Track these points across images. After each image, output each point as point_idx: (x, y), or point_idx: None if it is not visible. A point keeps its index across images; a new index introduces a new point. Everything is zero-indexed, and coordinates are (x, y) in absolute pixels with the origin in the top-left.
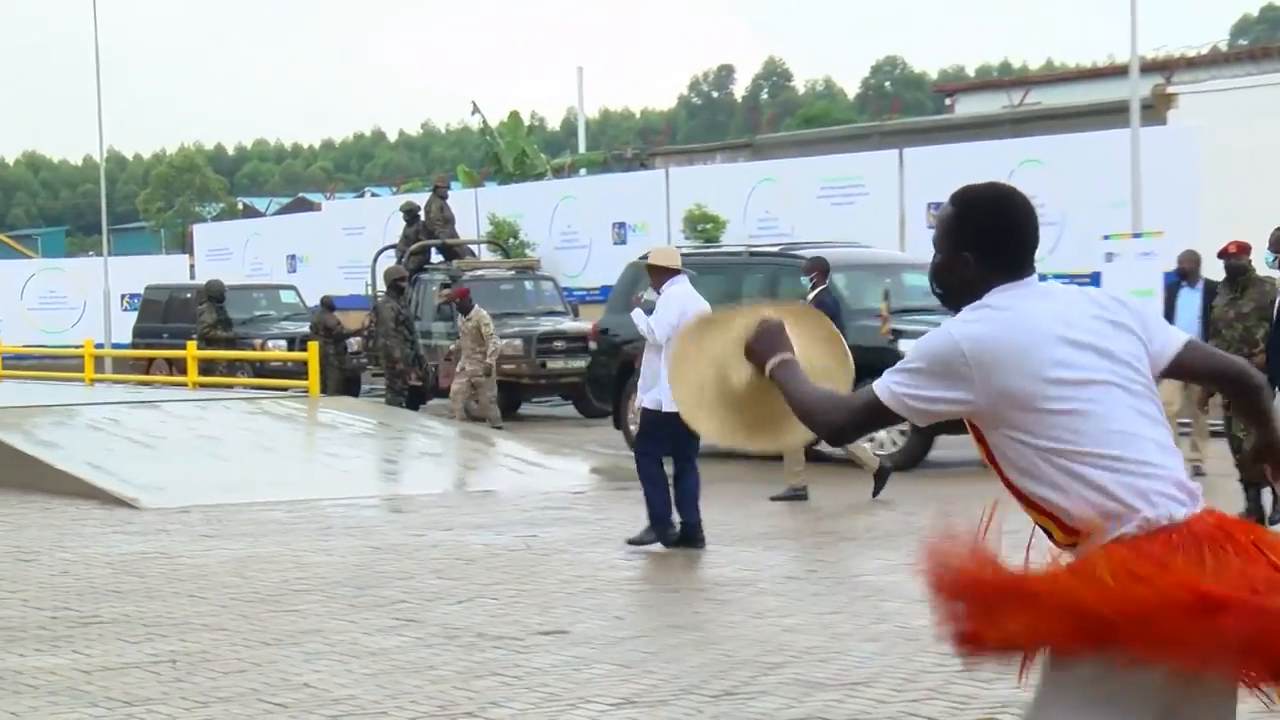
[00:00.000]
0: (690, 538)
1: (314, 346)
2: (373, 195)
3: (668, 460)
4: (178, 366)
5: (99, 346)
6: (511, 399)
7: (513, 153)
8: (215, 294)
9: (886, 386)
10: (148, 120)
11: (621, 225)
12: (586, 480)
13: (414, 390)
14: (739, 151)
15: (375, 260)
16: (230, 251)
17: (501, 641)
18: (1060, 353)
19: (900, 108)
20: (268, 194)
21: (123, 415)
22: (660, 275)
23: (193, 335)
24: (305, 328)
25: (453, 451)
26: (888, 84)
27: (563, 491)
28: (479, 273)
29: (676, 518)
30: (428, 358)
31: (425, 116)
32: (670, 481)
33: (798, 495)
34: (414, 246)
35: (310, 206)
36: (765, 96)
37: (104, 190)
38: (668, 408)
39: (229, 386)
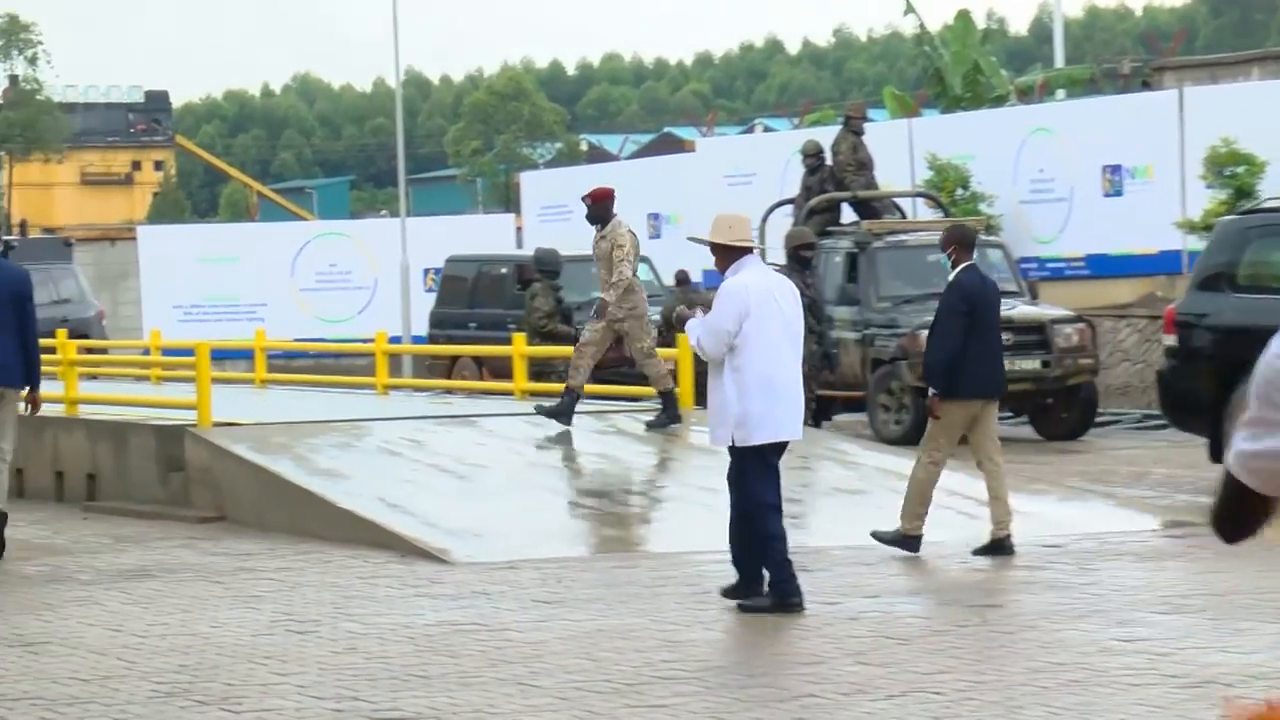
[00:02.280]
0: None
1: (683, 341)
2: (765, 130)
3: None
4: (491, 368)
5: (395, 341)
6: None
7: (961, 68)
8: (549, 268)
9: None
10: (458, 32)
11: (1115, 170)
12: (1067, 529)
13: (820, 401)
14: None
15: (764, 219)
16: (570, 209)
17: None
18: None
19: None
20: (621, 129)
21: (427, 435)
22: (725, 256)
23: (511, 324)
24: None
25: (877, 486)
26: None
27: (1033, 544)
28: (898, 237)
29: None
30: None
31: (838, 20)
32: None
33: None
34: (815, 201)
35: (680, 146)
36: None
37: (400, 127)
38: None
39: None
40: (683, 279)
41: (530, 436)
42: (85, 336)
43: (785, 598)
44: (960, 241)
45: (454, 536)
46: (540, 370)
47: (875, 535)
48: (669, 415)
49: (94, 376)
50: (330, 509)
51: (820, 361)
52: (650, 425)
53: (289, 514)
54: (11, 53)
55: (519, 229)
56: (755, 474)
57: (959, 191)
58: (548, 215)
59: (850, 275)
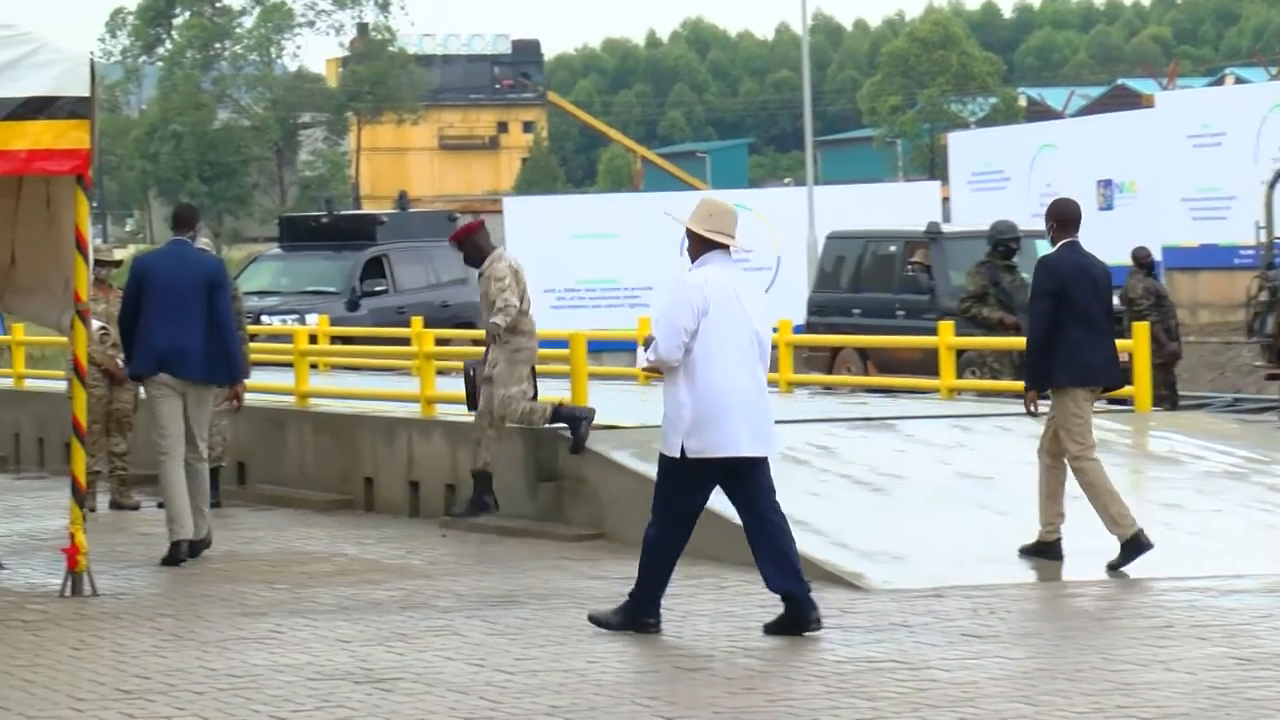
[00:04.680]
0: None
1: (1142, 330)
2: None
3: None
4: (876, 362)
5: (800, 330)
6: None
7: None
8: (1003, 240)
9: None
10: None
11: None
12: None
13: None
14: None
15: (1271, 189)
16: (1007, 175)
17: None
18: None
19: None
20: (1066, 81)
21: (837, 440)
22: (698, 247)
23: (900, 310)
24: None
25: None
26: None
27: None
28: None
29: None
30: None
31: None
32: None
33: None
34: None
35: (1135, 101)
36: None
37: (807, 81)
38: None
39: (994, 396)
40: (1143, 259)
41: (957, 442)
42: (471, 325)
43: (637, 615)
44: (1060, 217)
45: (868, 559)
46: (970, 364)
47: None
48: (473, 503)
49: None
50: (725, 526)
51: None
52: (451, 516)
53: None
54: None
55: (945, 199)
56: (680, 487)
57: None
58: (980, 182)
59: None
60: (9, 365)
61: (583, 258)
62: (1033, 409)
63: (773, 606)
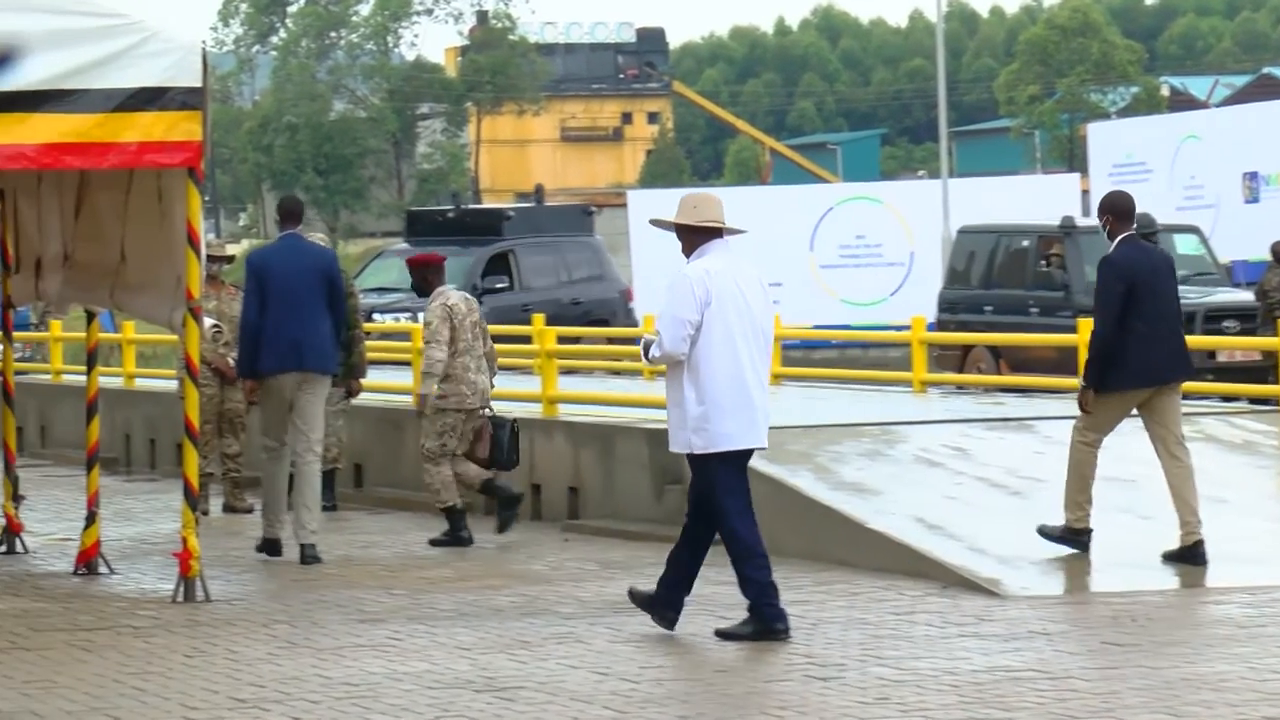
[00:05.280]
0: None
1: None
2: None
3: None
4: (1009, 359)
5: (931, 328)
6: None
7: None
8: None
9: None
10: None
11: None
12: None
13: None
14: None
15: None
16: (1149, 167)
17: None
18: None
19: None
20: (1211, 70)
21: (974, 442)
22: (690, 240)
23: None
24: (1231, 295)
25: None
26: None
27: None
28: None
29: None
30: None
31: None
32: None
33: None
34: None
35: None
36: None
37: (942, 70)
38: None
39: None
40: None
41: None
42: (606, 322)
43: (769, 623)
44: (1115, 210)
45: (1006, 565)
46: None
47: (1042, 531)
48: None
49: (572, 371)
50: (857, 530)
51: None
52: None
53: (808, 536)
54: None
55: (1085, 192)
56: (722, 481)
57: None
58: (1122, 174)
59: None
60: (119, 364)
61: None
62: (1088, 406)
63: (912, 613)
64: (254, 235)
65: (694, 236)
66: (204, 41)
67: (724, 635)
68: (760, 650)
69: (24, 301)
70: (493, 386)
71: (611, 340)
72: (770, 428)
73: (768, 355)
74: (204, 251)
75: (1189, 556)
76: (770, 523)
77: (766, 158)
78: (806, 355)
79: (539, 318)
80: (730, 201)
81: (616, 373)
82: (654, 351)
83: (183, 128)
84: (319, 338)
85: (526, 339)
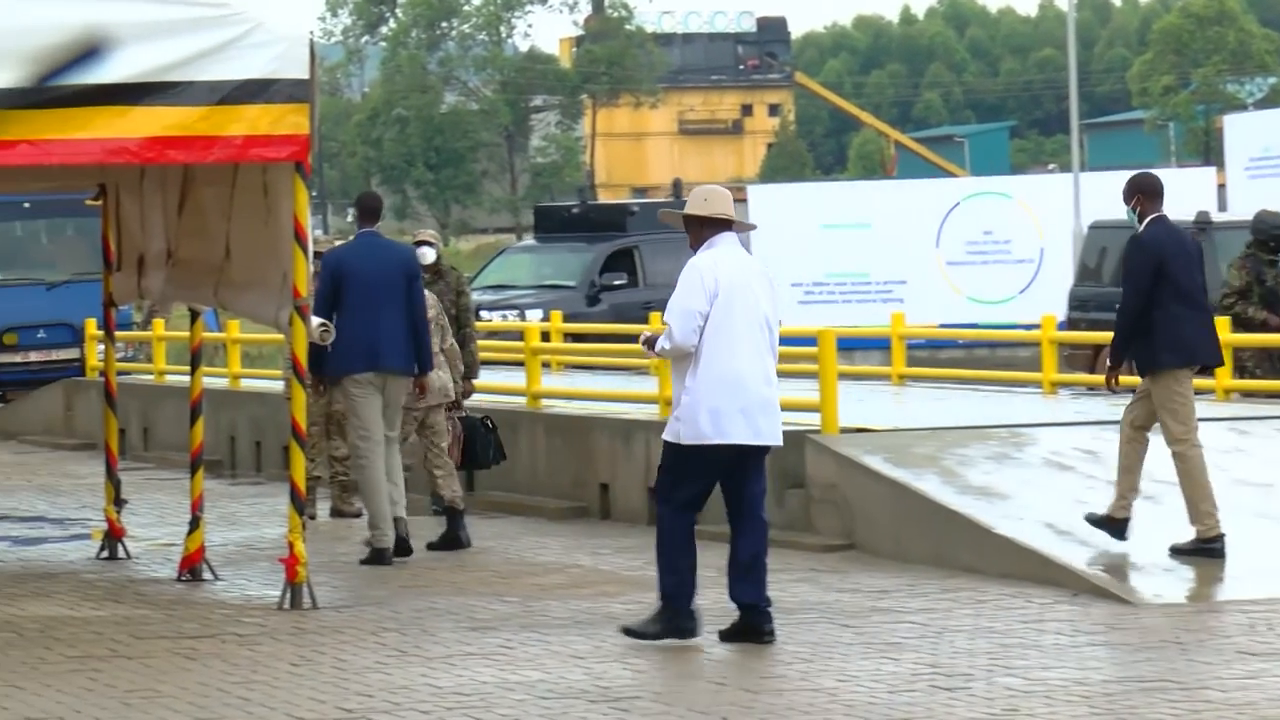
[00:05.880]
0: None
1: None
2: None
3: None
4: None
5: (1061, 327)
6: None
7: None
8: (1262, 236)
9: None
10: None
11: None
12: None
13: None
14: None
15: None
16: None
17: None
18: None
19: None
20: None
21: (1105, 444)
22: (699, 232)
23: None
24: None
25: None
26: None
27: None
28: None
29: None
30: None
31: None
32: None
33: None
34: None
35: None
36: None
37: (1073, 60)
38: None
39: (1270, 398)
40: None
41: (1235, 447)
42: None
43: (677, 621)
44: (1144, 189)
45: (1139, 571)
46: (1243, 364)
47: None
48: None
49: None
50: (985, 536)
51: None
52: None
53: (933, 542)
54: None
55: (1221, 186)
56: (677, 468)
57: None
58: (1259, 168)
59: None
60: (224, 364)
61: (832, 249)
62: (1114, 385)
63: (1040, 621)
64: None
65: (702, 229)
66: (311, 32)
67: (629, 632)
68: (877, 658)
69: (126, 300)
70: (461, 384)
71: None
72: (898, 430)
73: (774, 350)
74: (311, 248)
75: (1206, 550)
76: (895, 527)
77: (891, 151)
78: (932, 355)
79: (655, 316)
80: (854, 196)
81: None
82: (663, 343)
83: (289, 121)
84: (400, 337)
85: (636, 338)
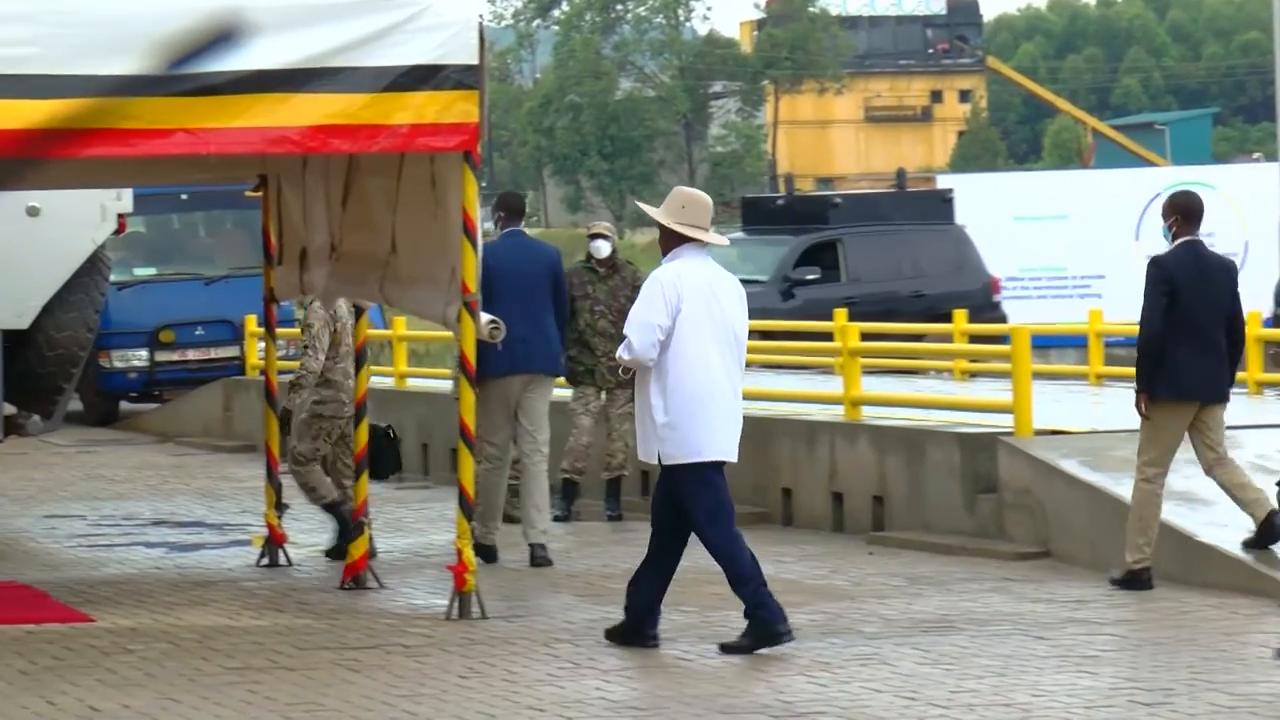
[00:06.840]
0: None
1: None
2: None
3: None
4: None
5: (1268, 324)
6: None
7: None
8: None
9: None
10: None
11: None
12: None
13: None
14: None
15: None
16: None
17: None
18: None
19: None
20: None
21: None
22: (668, 240)
23: None
24: None
25: None
26: None
27: None
28: None
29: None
30: None
31: None
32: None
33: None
34: None
35: None
36: None
37: (1278, 43)
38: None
39: None
40: None
41: None
42: (947, 318)
43: (768, 626)
44: (1182, 210)
45: None
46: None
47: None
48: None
49: (881, 370)
50: (1186, 543)
51: None
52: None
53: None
54: None
55: None
56: (694, 492)
57: None
58: None
59: None
60: (389, 363)
61: (1026, 242)
62: (1146, 414)
63: (1245, 634)
64: (534, 224)
65: (671, 237)
66: (481, 15)
67: (727, 649)
68: (1074, 672)
69: (288, 296)
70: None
71: (987, 340)
72: (1096, 432)
73: (742, 363)
74: (481, 242)
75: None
76: (1091, 533)
77: (1088, 139)
78: (1131, 353)
79: (841, 313)
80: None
81: (921, 372)
82: (621, 352)
83: (458, 108)
84: (547, 338)
85: (829, 335)
